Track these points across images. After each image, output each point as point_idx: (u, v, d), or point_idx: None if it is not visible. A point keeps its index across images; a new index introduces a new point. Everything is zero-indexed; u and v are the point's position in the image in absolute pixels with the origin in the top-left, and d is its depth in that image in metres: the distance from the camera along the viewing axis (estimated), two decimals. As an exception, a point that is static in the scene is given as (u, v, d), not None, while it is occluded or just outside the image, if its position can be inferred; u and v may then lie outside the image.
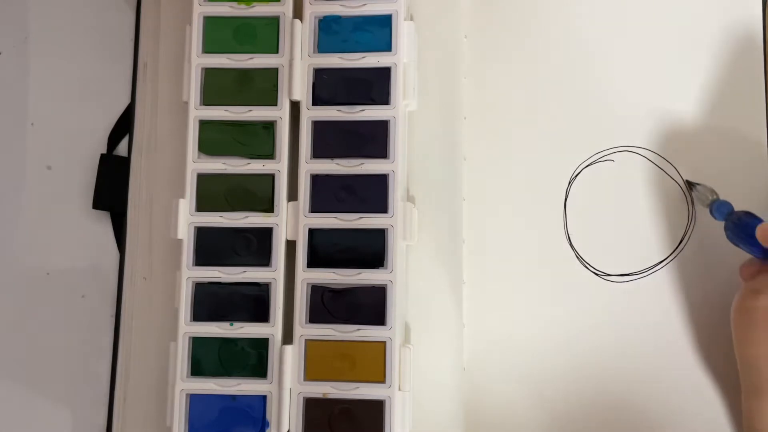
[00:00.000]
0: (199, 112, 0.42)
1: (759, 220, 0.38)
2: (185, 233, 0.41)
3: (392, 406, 0.39)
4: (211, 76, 0.42)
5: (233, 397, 0.40)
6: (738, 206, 0.41)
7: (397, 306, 0.40)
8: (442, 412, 0.42)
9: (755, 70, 0.44)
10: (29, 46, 0.48)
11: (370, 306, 0.40)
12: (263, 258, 0.41)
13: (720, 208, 0.41)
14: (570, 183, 0.44)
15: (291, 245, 0.41)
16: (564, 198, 0.44)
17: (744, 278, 0.39)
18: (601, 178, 0.44)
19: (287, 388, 0.40)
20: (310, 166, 0.41)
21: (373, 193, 0.41)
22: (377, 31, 0.42)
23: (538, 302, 0.43)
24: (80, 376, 0.45)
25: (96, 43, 0.48)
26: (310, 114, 0.42)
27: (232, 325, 0.41)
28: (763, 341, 0.35)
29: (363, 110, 0.41)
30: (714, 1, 0.44)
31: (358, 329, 0.40)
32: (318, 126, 0.42)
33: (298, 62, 0.42)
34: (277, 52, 0.42)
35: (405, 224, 0.41)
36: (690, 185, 0.42)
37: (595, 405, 0.42)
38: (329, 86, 0.42)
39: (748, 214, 0.39)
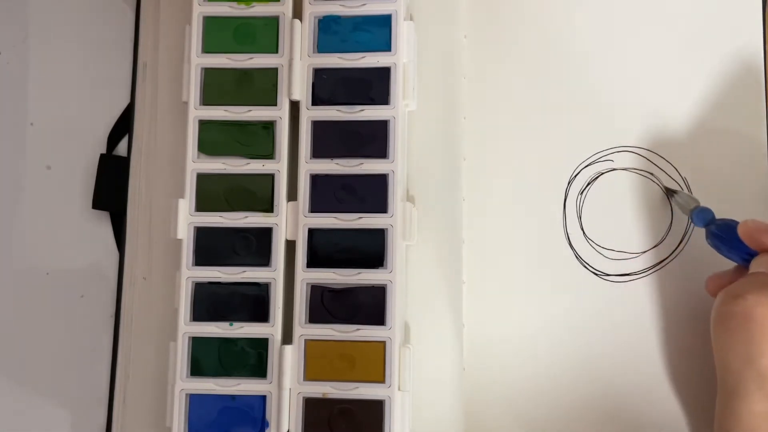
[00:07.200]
0: (198, 112, 0.42)
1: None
2: (185, 233, 0.41)
3: (392, 406, 0.39)
4: (210, 76, 0.42)
5: (233, 397, 0.40)
6: (738, 207, 0.41)
7: (396, 306, 0.40)
8: (442, 412, 0.42)
9: (755, 70, 0.44)
10: (29, 46, 0.48)
11: (370, 306, 0.40)
12: (263, 258, 0.41)
13: (700, 215, 0.40)
14: (569, 183, 0.44)
15: (291, 245, 0.41)
16: (563, 198, 0.44)
17: (711, 292, 0.39)
18: (601, 179, 0.44)
19: (287, 388, 0.40)
20: (309, 166, 0.41)
21: (372, 193, 0.41)
22: (377, 31, 0.42)
23: (537, 302, 0.43)
24: (80, 376, 0.45)
25: (96, 43, 0.48)
26: (309, 114, 0.42)
27: (231, 325, 0.41)
28: (741, 344, 0.35)
29: (362, 110, 0.41)
30: (714, 1, 0.44)
31: (358, 329, 0.40)
32: (318, 126, 0.42)
33: (297, 62, 0.42)
34: (276, 52, 0.42)
35: (405, 224, 0.41)
36: (670, 192, 0.42)
37: (594, 405, 0.42)
38: (329, 86, 0.42)
39: (729, 219, 0.39)
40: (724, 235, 0.39)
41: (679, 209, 0.42)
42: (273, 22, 0.43)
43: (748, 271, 0.38)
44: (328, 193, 0.41)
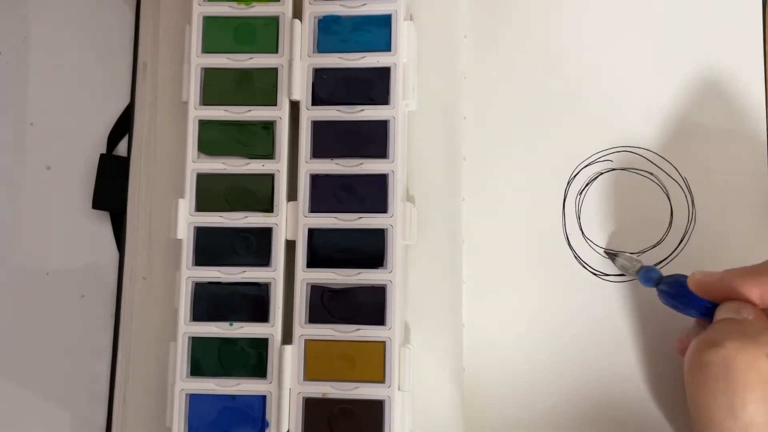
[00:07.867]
0: (198, 112, 0.42)
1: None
2: (185, 233, 0.41)
3: (392, 406, 0.39)
4: (210, 76, 0.42)
5: (233, 397, 0.40)
6: (738, 208, 0.41)
7: (396, 306, 0.40)
8: (442, 412, 0.42)
9: (755, 69, 0.44)
10: (29, 46, 0.48)
11: (370, 306, 0.40)
12: (263, 258, 0.41)
13: (647, 275, 0.40)
14: (569, 183, 0.44)
15: (291, 245, 0.41)
16: (563, 198, 0.44)
17: (683, 351, 0.37)
18: (600, 179, 0.44)
19: (287, 388, 0.40)
20: (309, 166, 0.41)
21: (372, 193, 0.41)
22: (377, 31, 0.42)
23: (537, 302, 0.43)
24: (80, 376, 0.45)
25: (96, 43, 0.48)
26: (309, 114, 0.42)
27: (231, 325, 0.41)
28: (721, 395, 0.32)
29: (362, 110, 0.41)
30: (714, 1, 0.44)
31: (358, 329, 0.40)
32: (317, 126, 0.42)
33: (297, 62, 0.42)
34: (276, 52, 0.42)
35: (404, 224, 0.41)
36: (611, 256, 0.42)
37: (595, 405, 0.42)
38: (329, 86, 0.42)
39: (678, 275, 0.38)
40: (675, 291, 0.38)
41: (624, 272, 0.42)
42: (273, 22, 0.43)
43: (713, 321, 0.36)
44: (328, 193, 0.41)
